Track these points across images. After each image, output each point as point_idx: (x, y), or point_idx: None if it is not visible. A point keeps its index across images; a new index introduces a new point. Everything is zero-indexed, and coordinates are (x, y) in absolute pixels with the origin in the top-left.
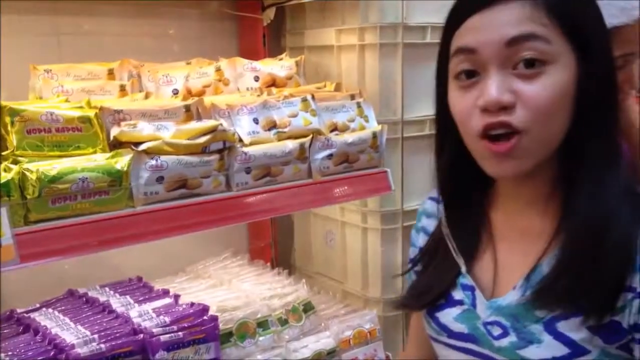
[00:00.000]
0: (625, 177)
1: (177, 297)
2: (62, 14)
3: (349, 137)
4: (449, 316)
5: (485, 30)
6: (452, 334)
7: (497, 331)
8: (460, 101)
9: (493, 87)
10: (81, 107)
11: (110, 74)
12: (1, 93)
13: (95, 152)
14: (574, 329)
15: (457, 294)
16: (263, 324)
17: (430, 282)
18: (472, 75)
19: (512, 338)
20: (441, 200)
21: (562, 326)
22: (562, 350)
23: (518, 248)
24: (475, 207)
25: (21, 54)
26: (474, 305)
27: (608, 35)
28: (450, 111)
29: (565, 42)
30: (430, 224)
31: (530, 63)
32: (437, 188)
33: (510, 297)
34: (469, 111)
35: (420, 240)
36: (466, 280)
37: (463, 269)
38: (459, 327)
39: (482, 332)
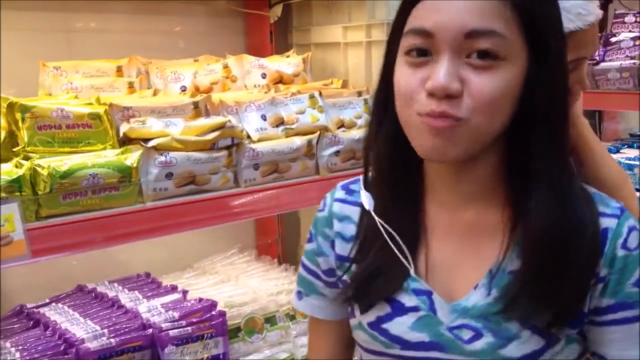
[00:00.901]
0: (573, 173)
1: (185, 292)
2: (72, 11)
3: (356, 133)
4: (402, 326)
5: (445, 14)
6: (407, 345)
7: (467, 335)
8: (407, 78)
9: (442, 73)
10: (91, 104)
11: (119, 70)
12: (11, 90)
13: (105, 149)
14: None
15: (409, 300)
16: (271, 320)
17: (372, 272)
18: (423, 53)
19: (488, 339)
20: (368, 195)
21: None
22: (539, 343)
23: (467, 245)
24: (412, 199)
25: (31, 50)
26: (432, 310)
27: (565, 38)
28: (392, 87)
29: (522, 40)
30: (346, 228)
31: (484, 55)
32: (374, 174)
33: (475, 297)
34: (414, 90)
35: (338, 247)
36: (418, 284)
37: (412, 271)
38: (417, 337)
39: (448, 338)
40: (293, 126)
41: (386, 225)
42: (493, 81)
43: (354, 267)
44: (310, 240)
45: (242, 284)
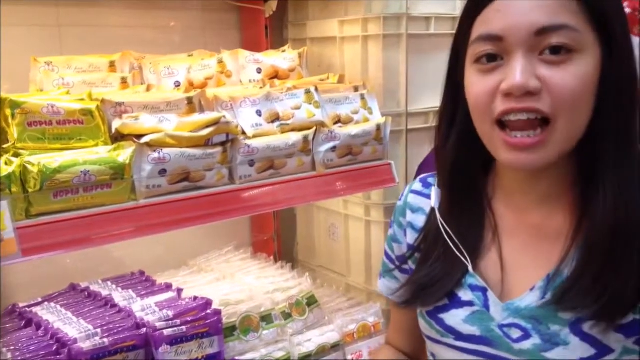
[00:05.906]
0: None
1: (180, 291)
2: (63, 5)
3: (352, 129)
4: (456, 318)
5: (514, 15)
6: (460, 337)
7: (516, 334)
8: (479, 85)
9: (518, 72)
10: (82, 100)
11: (112, 66)
12: (3, 86)
13: (97, 145)
14: (599, 329)
15: (465, 295)
16: (267, 318)
17: (433, 277)
18: (493, 59)
19: (535, 340)
20: (438, 192)
21: (588, 327)
22: (589, 351)
23: (530, 246)
24: (477, 199)
25: (22, 45)
26: (486, 307)
27: (628, 29)
28: (460, 98)
29: (592, 33)
30: (417, 219)
31: (557, 50)
32: (439, 178)
33: (529, 298)
34: (488, 95)
35: (409, 236)
36: (475, 280)
37: (470, 268)
38: (470, 330)
39: (498, 334)
40: (289, 122)
41: (445, 226)
42: (570, 76)
43: (415, 268)
44: (390, 227)
45: (238, 281)
